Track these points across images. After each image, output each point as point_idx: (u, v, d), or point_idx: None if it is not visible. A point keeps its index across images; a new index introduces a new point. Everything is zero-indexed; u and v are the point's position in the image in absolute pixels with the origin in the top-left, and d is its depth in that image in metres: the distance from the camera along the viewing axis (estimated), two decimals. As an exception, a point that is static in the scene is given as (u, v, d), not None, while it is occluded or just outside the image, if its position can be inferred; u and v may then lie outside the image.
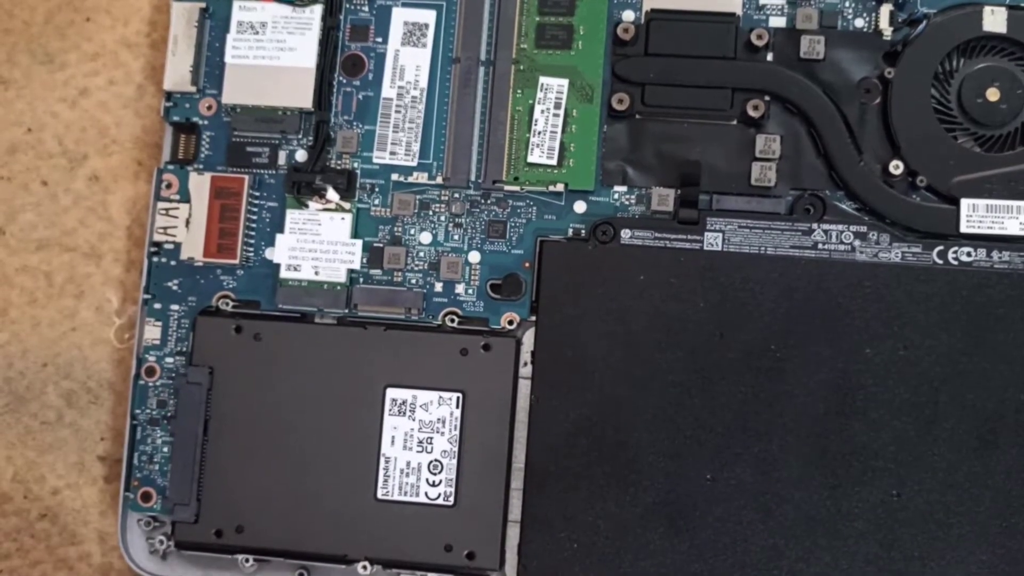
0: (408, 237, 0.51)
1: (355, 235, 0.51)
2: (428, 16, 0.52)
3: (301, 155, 0.52)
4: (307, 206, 0.51)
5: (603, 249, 0.49)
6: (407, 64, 0.52)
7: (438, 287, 0.51)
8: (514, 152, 0.51)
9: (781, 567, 0.46)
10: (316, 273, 0.51)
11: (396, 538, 0.48)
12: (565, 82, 0.51)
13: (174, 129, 0.53)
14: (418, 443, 0.49)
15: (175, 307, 0.52)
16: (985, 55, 0.49)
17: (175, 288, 0.52)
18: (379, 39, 0.52)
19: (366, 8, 0.52)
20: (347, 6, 0.52)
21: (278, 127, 0.52)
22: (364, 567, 0.48)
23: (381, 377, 0.49)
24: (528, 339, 0.49)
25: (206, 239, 0.51)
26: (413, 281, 0.51)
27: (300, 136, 0.52)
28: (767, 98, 0.50)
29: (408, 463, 0.49)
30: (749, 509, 0.47)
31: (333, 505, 0.49)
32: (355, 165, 0.52)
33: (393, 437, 0.49)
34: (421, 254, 0.51)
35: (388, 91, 0.52)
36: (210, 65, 0.53)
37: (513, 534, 0.48)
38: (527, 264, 0.50)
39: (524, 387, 0.49)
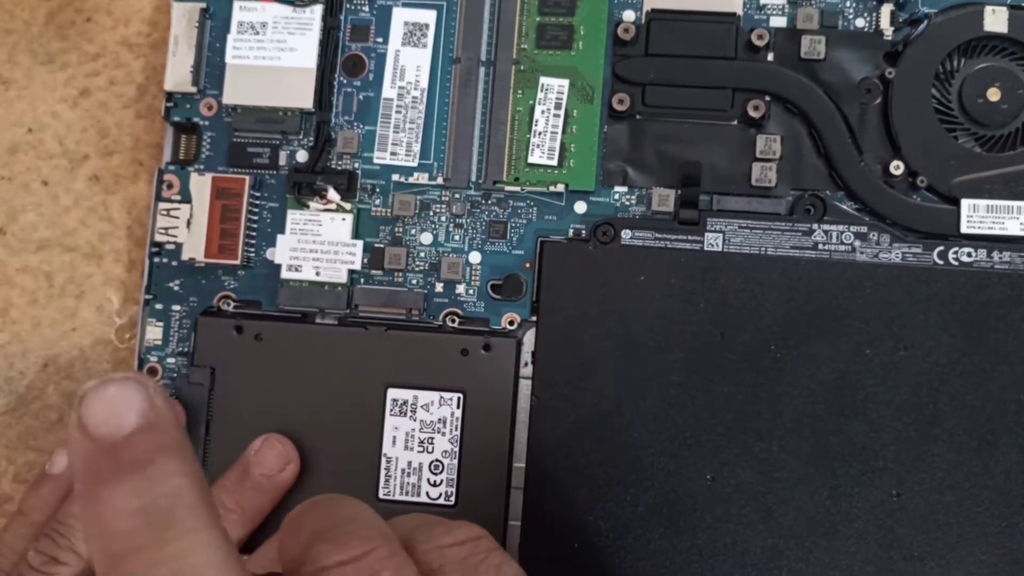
0: (409, 238, 0.51)
1: (356, 236, 0.51)
2: (428, 16, 0.52)
3: (302, 156, 0.52)
4: (308, 207, 0.51)
5: (603, 249, 0.49)
6: (407, 64, 0.52)
7: (439, 288, 0.51)
8: (514, 152, 0.51)
9: (781, 567, 0.46)
10: (317, 274, 0.51)
11: (397, 538, 0.48)
12: (565, 82, 0.51)
13: (175, 129, 0.53)
14: (419, 443, 0.49)
15: (176, 307, 0.52)
16: (986, 55, 0.49)
17: (176, 288, 0.52)
18: (379, 39, 0.52)
19: (366, 8, 0.52)
20: (347, 6, 0.52)
21: (279, 127, 0.52)
22: (365, 567, 0.48)
23: (382, 377, 0.49)
24: (529, 339, 0.49)
25: (207, 240, 0.51)
26: (414, 282, 0.51)
27: (301, 136, 0.52)
28: (767, 98, 0.50)
29: (409, 463, 0.49)
30: (749, 509, 0.47)
31: (334, 505, 0.49)
32: (356, 166, 0.52)
33: (394, 437, 0.49)
34: (422, 255, 0.51)
35: (388, 91, 0.52)
36: (211, 65, 0.53)
37: (513, 534, 0.48)
38: (528, 265, 0.50)
39: (524, 387, 0.49)
